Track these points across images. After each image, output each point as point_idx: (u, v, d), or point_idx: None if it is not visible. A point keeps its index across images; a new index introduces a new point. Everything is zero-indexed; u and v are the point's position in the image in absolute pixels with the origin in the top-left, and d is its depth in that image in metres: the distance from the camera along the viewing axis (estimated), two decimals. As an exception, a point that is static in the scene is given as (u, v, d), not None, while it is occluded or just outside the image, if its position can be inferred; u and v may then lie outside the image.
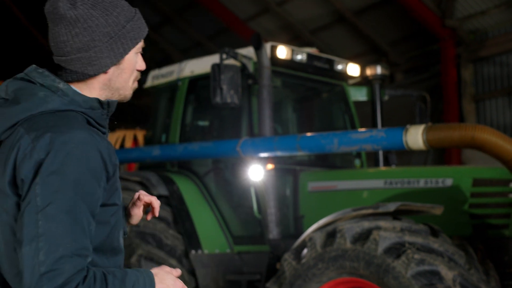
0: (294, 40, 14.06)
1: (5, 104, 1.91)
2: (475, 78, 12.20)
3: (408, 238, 4.11)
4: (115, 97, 2.03)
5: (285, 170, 5.98)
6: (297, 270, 4.45)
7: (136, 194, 2.34)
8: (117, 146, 9.41)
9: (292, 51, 6.13)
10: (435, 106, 11.38)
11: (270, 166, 5.65)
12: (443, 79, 12.16)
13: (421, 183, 5.11)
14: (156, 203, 2.32)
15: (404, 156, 11.54)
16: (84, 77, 1.96)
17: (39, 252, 1.70)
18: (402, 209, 4.45)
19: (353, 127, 6.76)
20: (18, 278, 1.81)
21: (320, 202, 5.75)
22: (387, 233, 4.13)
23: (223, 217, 6.16)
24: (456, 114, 11.99)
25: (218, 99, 5.51)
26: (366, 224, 4.30)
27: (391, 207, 4.37)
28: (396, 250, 4.06)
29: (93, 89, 1.98)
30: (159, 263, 5.60)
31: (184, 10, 16.52)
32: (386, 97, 6.76)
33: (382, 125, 6.49)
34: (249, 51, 5.98)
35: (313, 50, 6.65)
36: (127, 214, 2.36)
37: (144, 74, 7.38)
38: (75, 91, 1.92)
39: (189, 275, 5.74)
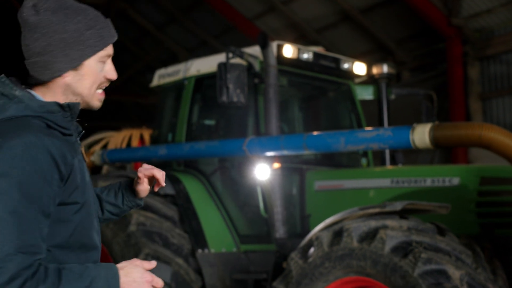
0: (300, 39, 14.05)
1: None
2: (482, 77, 12.17)
3: (415, 237, 4.10)
4: (83, 105, 2.14)
5: (292, 169, 5.98)
6: (304, 269, 4.45)
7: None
8: (124, 145, 9.42)
9: (299, 50, 6.12)
10: (441, 104, 11.35)
11: (276, 165, 5.65)
12: (449, 77, 12.14)
13: (428, 182, 5.10)
14: (158, 174, 2.40)
15: (410, 155, 11.53)
16: (41, 81, 2.06)
17: None
18: (409, 208, 4.44)
19: (360, 126, 6.75)
20: None
21: (327, 201, 5.75)
22: (394, 232, 4.12)
23: (229, 216, 6.16)
24: (463, 113, 11.97)
25: (224, 98, 5.51)
26: (373, 223, 4.30)
27: (398, 206, 4.36)
28: (403, 249, 4.05)
29: (56, 93, 2.09)
30: (165, 262, 5.60)
31: (190, 9, 16.54)
32: (392, 96, 6.75)
33: (389, 124, 6.48)
34: (255, 50, 5.98)
35: (319, 49, 6.64)
36: (134, 192, 2.50)
37: (150, 73, 7.40)
38: (30, 97, 2.02)
39: (196, 274, 5.74)
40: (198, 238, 5.87)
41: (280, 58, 5.93)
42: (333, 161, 6.53)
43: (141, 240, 5.65)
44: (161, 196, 6.09)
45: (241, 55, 5.80)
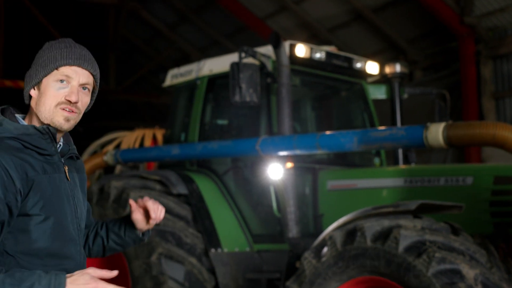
0: (312, 39, 14.03)
1: None
2: (495, 76, 12.10)
3: (429, 236, 4.09)
4: (47, 122, 2.35)
5: (304, 168, 5.98)
6: (317, 268, 4.45)
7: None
8: (137, 145, 9.44)
9: (311, 49, 6.12)
10: (454, 104, 11.31)
11: (289, 164, 5.65)
12: (462, 76, 12.08)
13: (442, 181, 5.08)
14: (151, 205, 2.60)
15: (423, 154, 11.49)
16: (28, 106, 2.44)
17: None
18: (422, 207, 4.43)
19: (372, 125, 6.73)
20: None
21: (340, 200, 5.75)
22: (408, 232, 4.11)
23: (242, 215, 6.17)
24: (476, 112, 11.91)
25: (237, 98, 5.52)
26: (387, 223, 4.29)
27: (412, 205, 4.36)
28: (417, 248, 4.04)
29: (32, 117, 2.40)
30: (178, 261, 5.62)
31: (202, 9, 16.55)
32: (405, 95, 6.73)
33: (401, 124, 6.47)
34: (268, 49, 5.98)
35: (332, 48, 6.64)
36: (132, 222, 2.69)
37: (162, 73, 7.43)
38: (8, 121, 2.33)
39: (209, 273, 5.76)
40: (211, 237, 5.88)
41: (293, 58, 5.93)
42: (345, 160, 6.53)
43: (154, 240, 5.66)
44: (174, 195, 6.11)
45: (254, 55, 5.81)
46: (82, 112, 2.43)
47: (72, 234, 2.38)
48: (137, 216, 2.66)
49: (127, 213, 2.72)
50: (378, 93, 6.88)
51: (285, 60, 5.66)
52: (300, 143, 5.38)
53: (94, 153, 9.86)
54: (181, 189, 6.10)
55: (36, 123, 2.39)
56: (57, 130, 2.38)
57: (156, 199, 5.93)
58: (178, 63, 8.29)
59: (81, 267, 2.41)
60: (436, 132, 4.59)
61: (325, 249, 4.48)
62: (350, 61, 6.50)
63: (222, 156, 6.22)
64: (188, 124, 6.70)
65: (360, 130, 5.41)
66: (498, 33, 11.91)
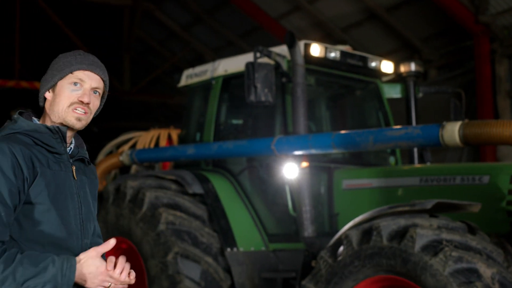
0: (326, 38, 14.03)
1: None
2: (510, 74, 12.04)
3: (445, 235, 4.08)
4: (60, 121, 2.52)
5: (320, 168, 5.98)
6: (333, 267, 4.46)
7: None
8: (152, 145, 9.48)
9: (326, 49, 6.13)
10: (468, 102, 11.28)
11: (304, 164, 5.66)
12: (477, 75, 12.03)
13: (458, 180, 5.06)
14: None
15: (438, 153, 11.46)
16: (42, 108, 2.61)
17: None
18: (438, 206, 4.42)
19: (387, 124, 6.72)
20: None
21: (355, 199, 5.74)
22: (424, 231, 4.11)
23: (258, 215, 6.18)
24: (491, 111, 11.85)
25: (252, 98, 5.54)
26: (403, 222, 4.28)
27: (428, 204, 4.35)
28: (434, 247, 4.03)
29: (45, 118, 2.58)
30: (195, 260, 5.64)
31: (216, 10, 16.59)
32: (420, 94, 6.72)
33: (416, 123, 6.46)
34: (282, 49, 5.99)
35: (346, 48, 6.63)
36: None
37: (177, 73, 7.46)
38: (22, 119, 2.52)
39: (225, 272, 5.77)
40: (227, 237, 5.90)
41: (308, 57, 5.94)
42: (361, 159, 6.52)
43: (170, 239, 5.69)
44: (190, 195, 6.14)
45: (269, 55, 5.82)
46: (93, 113, 2.61)
47: (74, 229, 2.49)
48: None
49: None
50: (393, 92, 6.87)
51: (300, 59, 5.66)
52: (315, 143, 5.39)
53: (110, 153, 9.91)
54: (197, 188, 6.12)
55: (48, 124, 2.56)
56: (68, 129, 2.54)
57: (171, 198, 5.97)
58: (192, 64, 8.33)
59: None
60: (452, 131, 4.58)
61: (341, 248, 4.48)
62: (365, 60, 6.49)
63: (238, 155, 6.23)
64: (203, 124, 6.72)
65: (375, 129, 5.40)
66: (513, 31, 11.86)
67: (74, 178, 2.56)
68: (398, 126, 5.28)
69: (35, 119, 2.60)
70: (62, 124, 2.53)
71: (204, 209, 6.06)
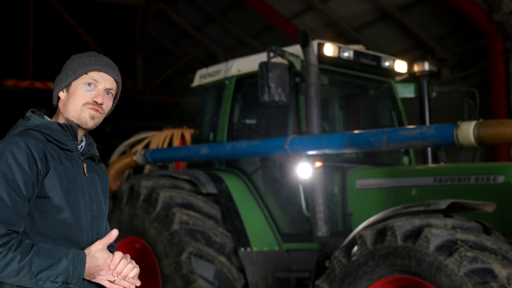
0: (338, 37, 14.01)
1: None
2: (524, 73, 11.99)
3: (460, 235, 4.07)
4: (74, 119, 2.58)
5: (333, 167, 5.98)
6: (348, 267, 4.45)
7: None
8: (165, 145, 9.49)
9: (339, 48, 6.12)
10: (482, 102, 11.22)
11: (318, 163, 5.66)
12: (490, 74, 11.97)
13: (472, 180, 5.05)
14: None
15: (452, 153, 11.41)
16: (55, 107, 2.67)
17: None
18: (453, 206, 4.40)
19: (401, 124, 6.70)
20: None
21: (369, 199, 5.74)
22: (439, 231, 4.10)
23: (271, 214, 6.19)
24: (505, 110, 11.79)
25: (266, 97, 5.54)
26: (417, 222, 4.27)
27: (443, 204, 4.33)
28: (448, 247, 4.02)
29: (58, 115, 2.63)
30: (208, 260, 5.65)
31: (228, 9, 16.60)
32: (434, 94, 6.69)
33: (430, 122, 6.43)
34: (296, 49, 5.99)
35: (359, 47, 6.63)
36: None
37: (190, 73, 7.47)
38: (35, 117, 2.59)
39: (238, 272, 5.78)
40: (240, 236, 5.91)
41: (321, 57, 5.94)
42: (374, 159, 6.51)
43: (184, 239, 5.70)
44: (203, 195, 6.15)
45: (282, 54, 5.82)
46: (105, 113, 2.65)
47: (85, 224, 2.53)
48: None
49: None
50: (406, 91, 6.85)
51: (313, 59, 5.67)
52: (329, 142, 5.39)
53: (124, 153, 9.93)
54: (210, 188, 6.13)
55: (61, 122, 2.60)
56: (80, 127, 2.59)
57: (185, 198, 5.99)
58: (204, 63, 8.35)
59: None
60: (467, 131, 4.57)
61: (355, 248, 4.48)
62: (378, 59, 6.48)
63: (251, 155, 6.24)
64: (216, 124, 6.73)
65: (389, 129, 5.39)
66: (527, 30, 11.79)
67: (85, 175, 2.60)
68: (412, 126, 5.27)
69: (47, 117, 2.65)
70: (75, 122, 2.58)
71: (218, 209, 6.07)
